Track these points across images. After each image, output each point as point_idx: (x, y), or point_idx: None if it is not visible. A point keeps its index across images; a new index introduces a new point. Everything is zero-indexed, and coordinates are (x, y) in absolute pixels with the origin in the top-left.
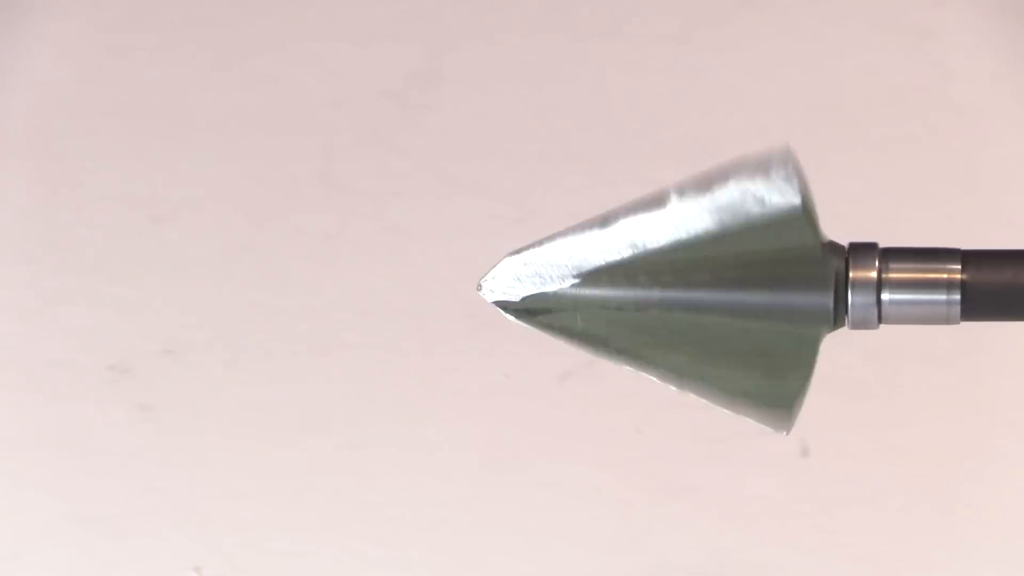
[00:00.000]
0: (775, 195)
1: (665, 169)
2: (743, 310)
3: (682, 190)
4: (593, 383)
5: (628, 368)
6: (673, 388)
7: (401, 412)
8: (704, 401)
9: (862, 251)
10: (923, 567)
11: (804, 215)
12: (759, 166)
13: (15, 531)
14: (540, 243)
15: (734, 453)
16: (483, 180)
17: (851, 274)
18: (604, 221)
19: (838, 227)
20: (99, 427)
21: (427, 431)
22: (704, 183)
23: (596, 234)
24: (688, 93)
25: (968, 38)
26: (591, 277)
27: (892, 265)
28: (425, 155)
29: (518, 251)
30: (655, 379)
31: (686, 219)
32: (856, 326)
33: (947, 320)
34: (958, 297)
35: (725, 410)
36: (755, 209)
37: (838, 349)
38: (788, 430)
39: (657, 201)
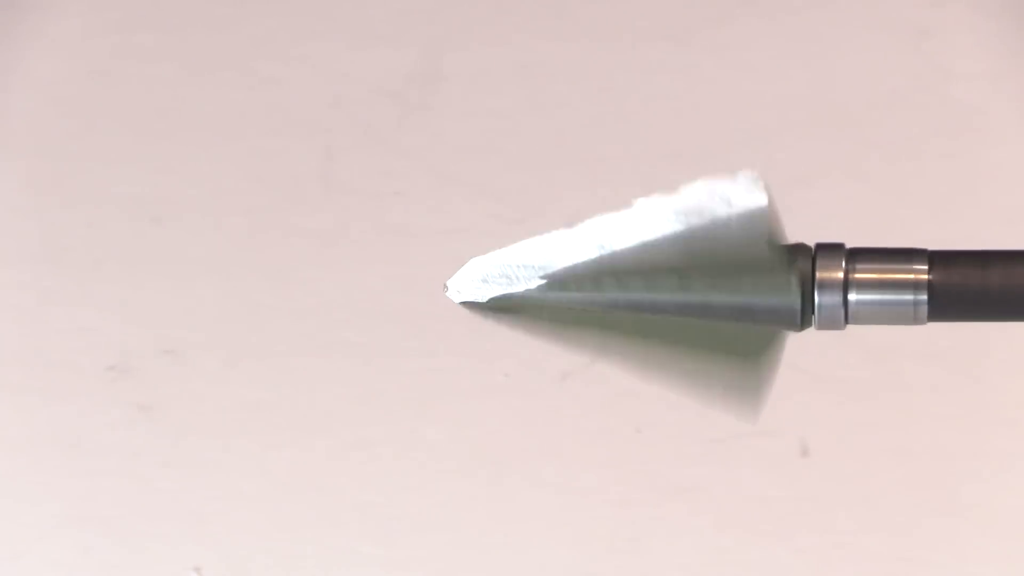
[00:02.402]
0: (742, 195)
1: (665, 169)
2: (710, 312)
3: (650, 197)
4: (593, 383)
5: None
6: (639, 376)
7: (401, 412)
8: (671, 386)
9: (829, 251)
10: (923, 567)
11: (770, 214)
12: (726, 174)
13: (15, 531)
14: (506, 249)
15: (734, 453)
16: (483, 180)
17: (817, 274)
18: (571, 224)
19: (837, 227)
20: (99, 427)
21: (427, 431)
22: (671, 191)
23: (563, 237)
24: (688, 93)
25: (968, 38)
26: (557, 280)
27: (859, 265)
28: (425, 155)
29: (484, 256)
30: (620, 366)
31: (653, 222)
32: (823, 326)
33: (914, 320)
34: (925, 297)
35: (692, 394)
36: (722, 209)
37: (838, 349)
38: (754, 417)
39: (624, 206)
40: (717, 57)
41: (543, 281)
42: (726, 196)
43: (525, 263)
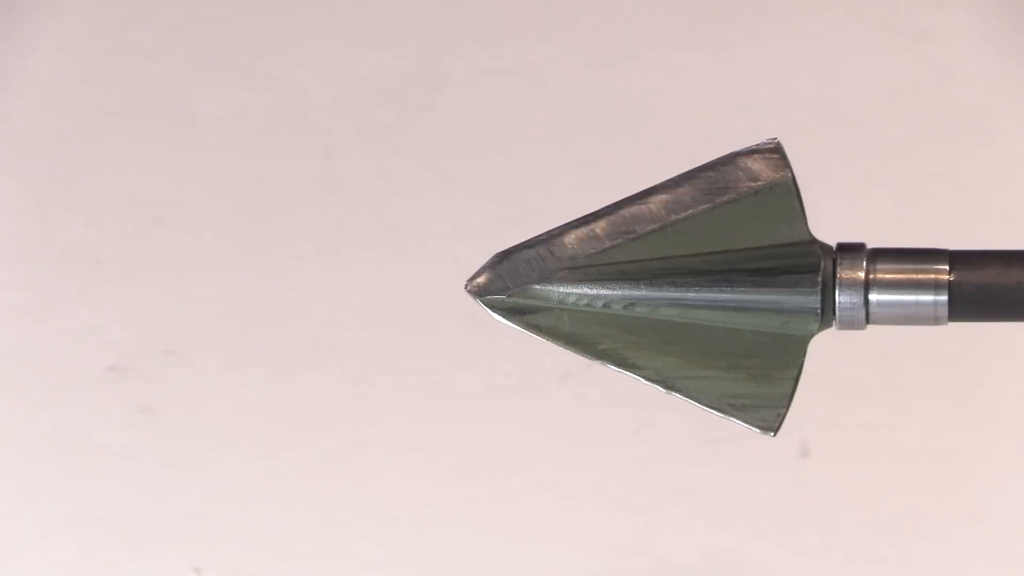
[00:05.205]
0: (767, 169)
1: (665, 169)
2: (731, 307)
3: (675, 176)
4: (593, 383)
5: (615, 370)
6: (660, 390)
7: (401, 412)
8: (691, 404)
9: (850, 251)
10: (923, 567)
11: (795, 193)
12: (752, 149)
13: (15, 531)
14: (529, 241)
15: (734, 453)
16: (483, 180)
17: (839, 274)
18: (595, 214)
19: (837, 227)
20: (99, 427)
21: (427, 431)
22: (696, 169)
23: (585, 226)
24: (688, 93)
25: (968, 38)
26: (579, 270)
27: (880, 266)
28: (425, 155)
29: (506, 249)
30: (642, 381)
31: (677, 200)
32: (844, 326)
33: (935, 321)
34: (945, 298)
35: (712, 412)
36: (746, 184)
37: (838, 349)
38: (775, 432)
39: (649, 188)
40: (717, 57)
41: (564, 272)
42: (751, 171)
43: (546, 255)
